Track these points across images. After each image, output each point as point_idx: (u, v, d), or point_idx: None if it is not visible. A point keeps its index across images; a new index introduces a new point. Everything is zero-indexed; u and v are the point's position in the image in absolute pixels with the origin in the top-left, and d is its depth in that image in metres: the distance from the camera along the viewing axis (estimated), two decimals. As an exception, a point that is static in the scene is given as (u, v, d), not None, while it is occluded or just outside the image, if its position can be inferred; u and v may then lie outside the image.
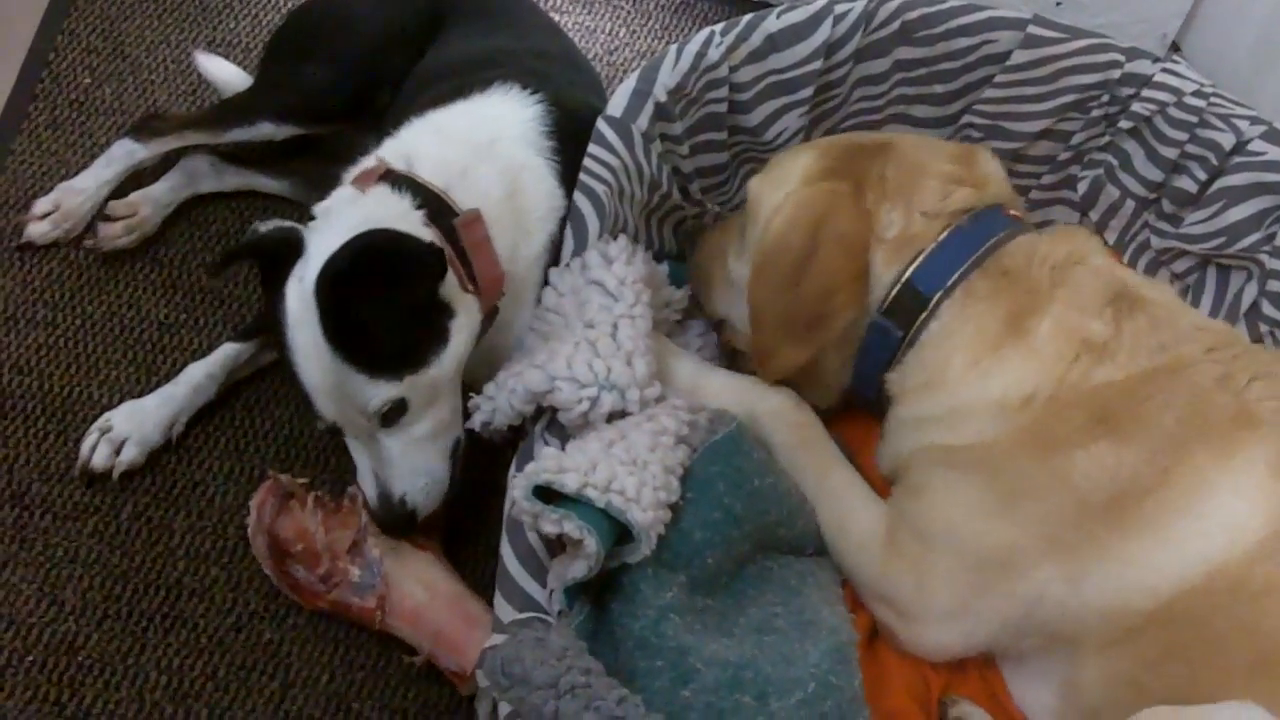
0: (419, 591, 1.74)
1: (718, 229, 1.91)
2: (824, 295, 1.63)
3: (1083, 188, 2.08)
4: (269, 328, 1.90)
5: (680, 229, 2.01)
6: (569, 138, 1.81)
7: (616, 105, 1.79)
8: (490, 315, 1.75)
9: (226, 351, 2.00)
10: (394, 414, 1.63)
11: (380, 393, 1.60)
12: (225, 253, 1.65)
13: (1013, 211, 1.71)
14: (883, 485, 1.72)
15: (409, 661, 1.77)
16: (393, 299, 1.58)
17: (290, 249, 1.61)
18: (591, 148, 1.74)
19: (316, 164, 2.22)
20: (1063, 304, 1.58)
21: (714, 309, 1.88)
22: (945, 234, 1.64)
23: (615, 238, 1.73)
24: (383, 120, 2.02)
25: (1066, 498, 1.49)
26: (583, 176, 1.73)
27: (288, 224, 1.64)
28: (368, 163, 1.75)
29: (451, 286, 1.65)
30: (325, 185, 1.96)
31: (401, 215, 1.65)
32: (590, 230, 1.72)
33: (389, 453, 1.67)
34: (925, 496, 1.59)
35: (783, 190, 1.69)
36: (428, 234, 1.65)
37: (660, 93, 1.80)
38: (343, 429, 1.67)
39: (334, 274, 1.54)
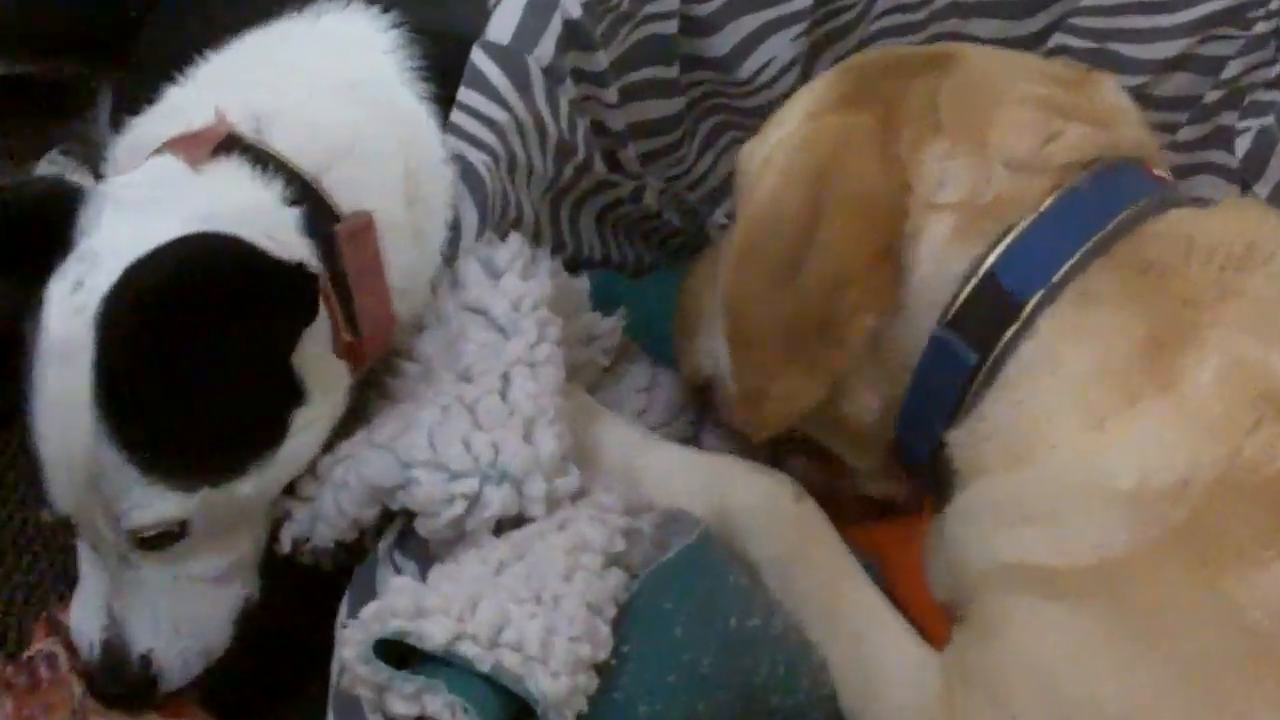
0: None
1: (710, 251, 1.93)
2: (834, 287, 1.62)
3: (1244, 145, 2.09)
4: None
5: (608, 218, 2.03)
6: (448, 79, 1.81)
7: (503, 26, 1.80)
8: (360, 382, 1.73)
9: None
10: (164, 539, 1.61)
11: (153, 506, 1.57)
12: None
13: (1158, 171, 1.69)
14: (935, 619, 1.70)
15: None
16: (221, 356, 1.53)
17: (59, 220, 1.57)
18: (464, 94, 1.75)
19: (19, 121, 2.23)
20: (1236, 327, 1.54)
21: (695, 363, 1.89)
22: (1052, 200, 1.61)
23: (504, 237, 1.73)
24: (134, 52, 2.03)
25: (1238, 641, 1.46)
26: (452, 141, 1.74)
27: (68, 181, 1.61)
28: (184, 116, 1.72)
29: (314, 344, 1.62)
30: (35, 153, 1.95)
31: (266, 214, 1.61)
32: (465, 225, 1.72)
33: (144, 587, 1.64)
34: (1008, 637, 1.55)
35: (778, 135, 1.70)
36: (303, 251, 1.61)
37: (572, 5, 1.81)
38: (77, 529, 1.64)
39: (140, 293, 1.49)
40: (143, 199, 1.59)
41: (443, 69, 1.83)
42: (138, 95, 1.87)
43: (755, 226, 1.66)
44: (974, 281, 1.61)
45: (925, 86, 1.66)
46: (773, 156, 1.66)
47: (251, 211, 1.59)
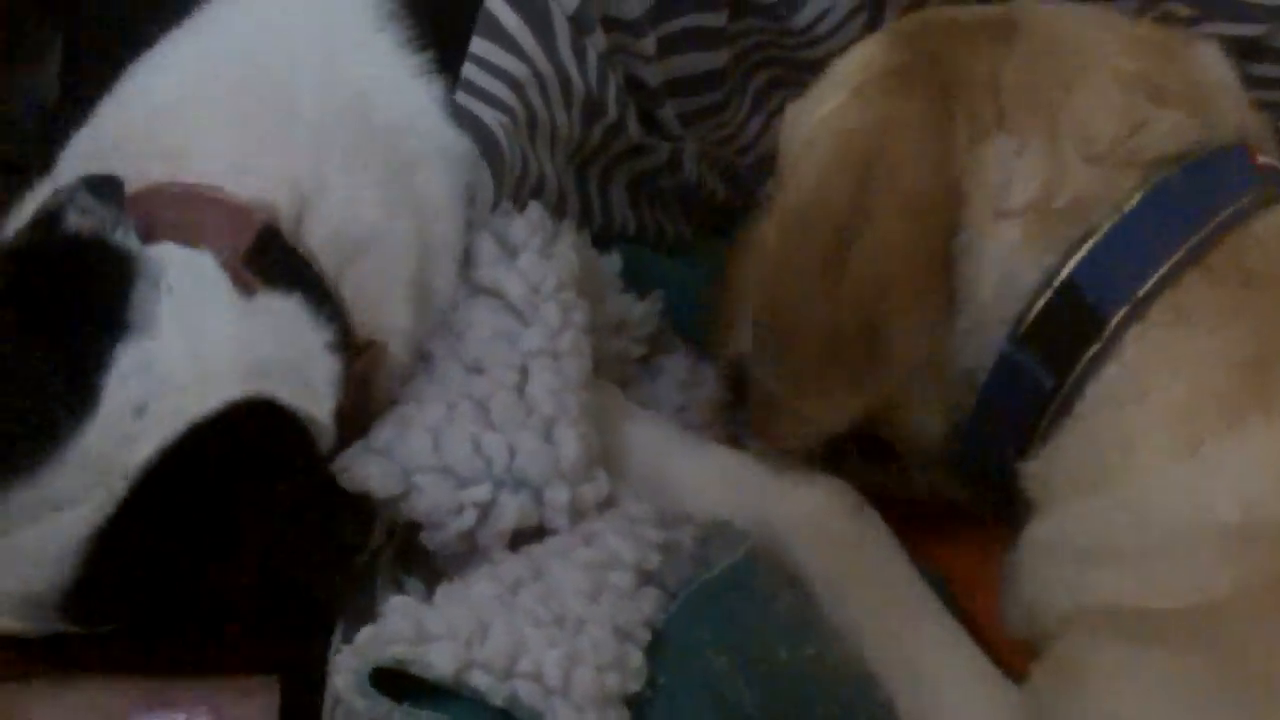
0: None
1: (755, 223, 1.93)
2: (880, 295, 1.62)
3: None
4: None
5: (643, 186, 2.04)
6: (453, 39, 1.80)
7: (521, -35, 1.81)
8: None
9: None
10: None
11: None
12: (13, 253, 1.55)
13: (1262, 158, 1.66)
14: (1011, 651, 1.70)
15: None
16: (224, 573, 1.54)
17: (105, 284, 1.53)
18: (477, 45, 1.75)
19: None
20: None
21: (735, 350, 1.88)
22: (1138, 199, 1.59)
23: (523, 208, 1.73)
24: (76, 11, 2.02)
25: None
26: (462, 97, 1.74)
27: (112, 242, 1.54)
28: (200, 167, 1.66)
29: None
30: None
31: (313, 365, 1.60)
32: (477, 195, 1.72)
33: None
34: (1092, 688, 1.54)
35: (826, 108, 1.70)
36: (330, 403, 1.60)
37: (603, -56, 1.83)
38: None
39: (187, 476, 1.49)
40: (195, 315, 1.56)
41: (441, 33, 1.82)
42: (85, 64, 1.89)
43: (795, 218, 1.66)
44: (1049, 293, 1.60)
45: (987, 63, 1.65)
46: (815, 138, 1.66)
47: (301, 364, 1.60)
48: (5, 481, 1.46)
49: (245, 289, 1.57)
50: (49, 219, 1.51)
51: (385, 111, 1.77)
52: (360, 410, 1.65)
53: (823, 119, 1.67)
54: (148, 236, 1.55)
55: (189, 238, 1.57)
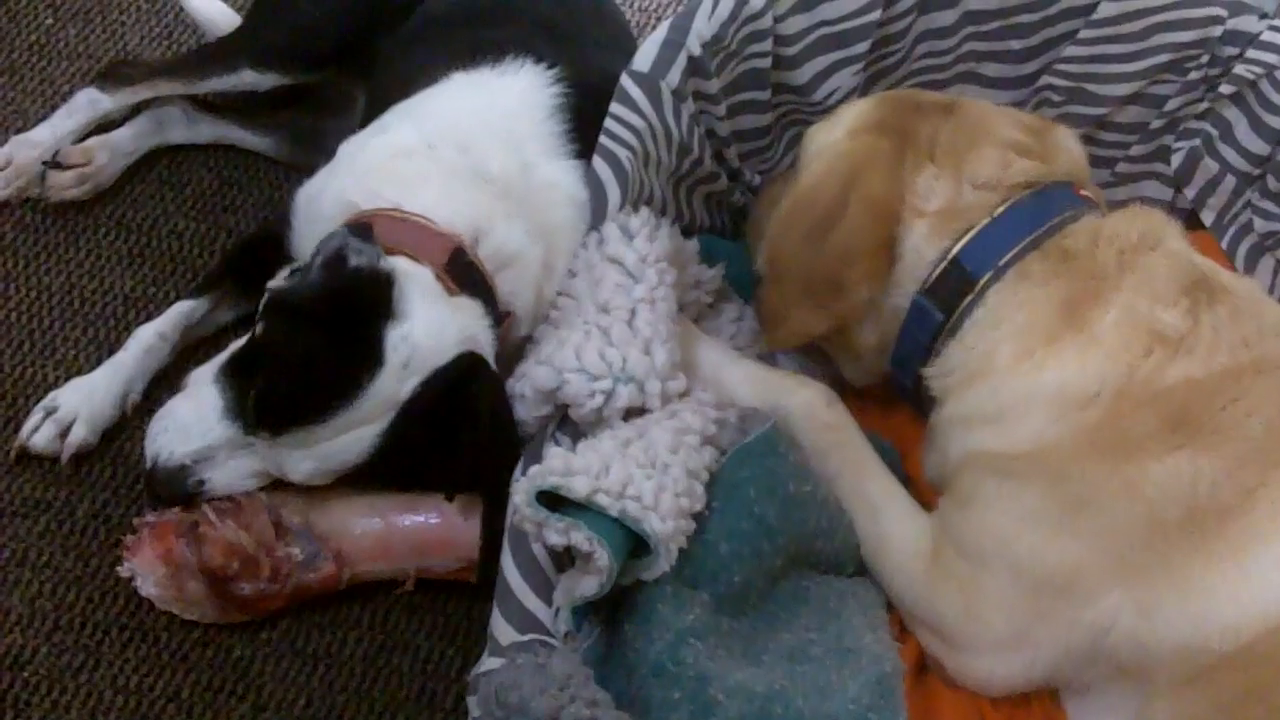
0: (367, 521, 1.78)
1: (778, 179, 1.94)
2: (844, 261, 1.67)
3: (1177, 160, 2.07)
4: (223, 283, 1.96)
5: (713, 199, 2.02)
6: (590, 131, 1.79)
7: (644, 59, 1.79)
8: None
9: (179, 309, 1.98)
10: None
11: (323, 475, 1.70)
12: (320, 282, 1.62)
13: (1084, 192, 1.71)
14: (930, 496, 1.73)
15: (398, 593, 1.83)
16: (446, 453, 1.68)
17: (380, 292, 1.63)
18: (614, 107, 1.74)
19: (300, 118, 2.24)
20: (1131, 292, 1.58)
21: (759, 262, 1.88)
22: (1001, 209, 1.65)
23: (637, 209, 1.74)
24: (375, 70, 2.05)
25: (1138, 513, 1.49)
26: (603, 140, 1.73)
27: (381, 268, 1.63)
28: (418, 201, 1.73)
29: None
30: (310, 142, 2.00)
31: (485, 334, 1.71)
32: (610, 201, 1.73)
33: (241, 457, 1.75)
34: (975, 508, 1.59)
35: (830, 136, 1.74)
36: (491, 354, 1.72)
37: (694, 45, 1.80)
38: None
39: (433, 398, 1.64)
40: (428, 306, 1.65)
41: (585, 122, 1.83)
42: (376, 112, 1.91)
43: (799, 200, 1.70)
44: (943, 264, 1.66)
45: (932, 126, 1.70)
46: (822, 152, 1.72)
47: (482, 334, 1.70)
48: (335, 409, 1.61)
49: (449, 290, 1.67)
50: (337, 259, 1.60)
51: (540, 173, 1.82)
52: (501, 351, 1.73)
53: (829, 142, 1.73)
54: (387, 251, 1.64)
55: (412, 254, 1.67)
